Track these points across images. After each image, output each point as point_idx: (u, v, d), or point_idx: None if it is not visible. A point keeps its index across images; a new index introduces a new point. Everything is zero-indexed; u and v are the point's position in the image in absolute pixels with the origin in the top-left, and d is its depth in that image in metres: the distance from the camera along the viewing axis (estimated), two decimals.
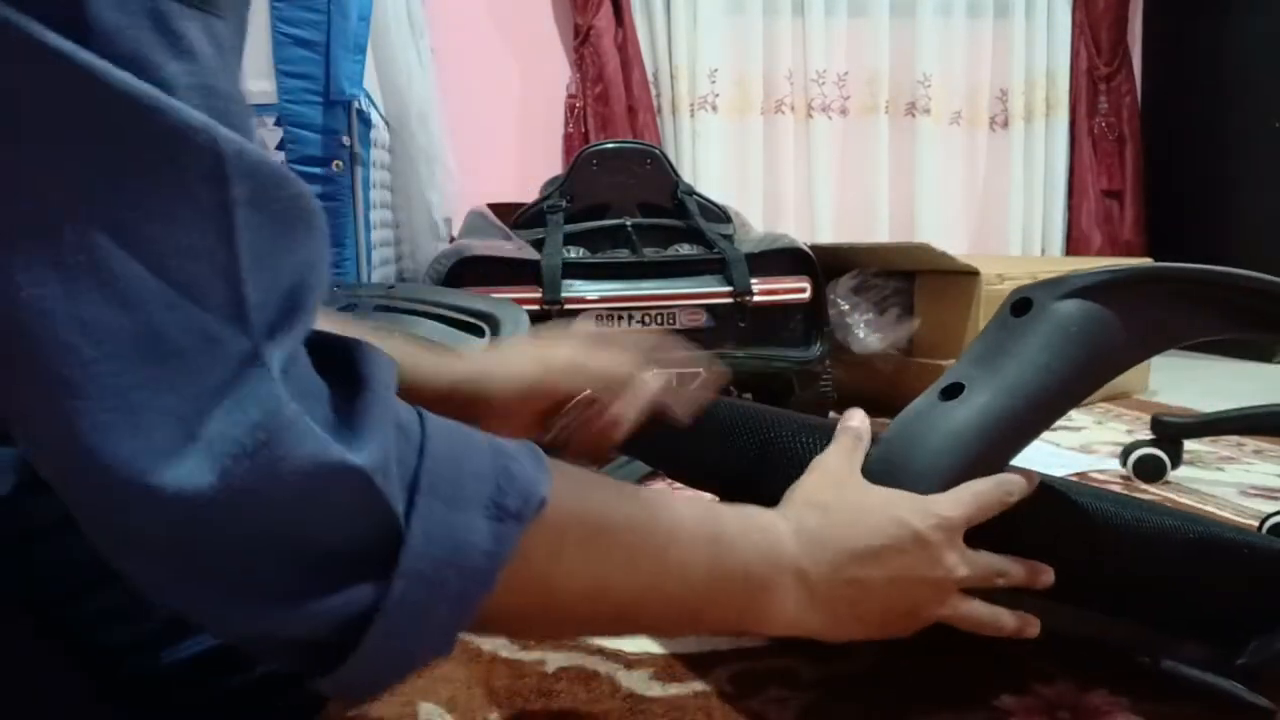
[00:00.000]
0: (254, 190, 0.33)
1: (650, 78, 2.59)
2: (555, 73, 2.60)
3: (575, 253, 1.58)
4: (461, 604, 0.38)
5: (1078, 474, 1.32)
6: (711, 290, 1.53)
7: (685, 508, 0.49)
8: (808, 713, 0.67)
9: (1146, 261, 0.60)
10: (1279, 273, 0.63)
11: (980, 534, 0.56)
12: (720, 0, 2.59)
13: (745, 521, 0.51)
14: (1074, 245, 2.81)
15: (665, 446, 0.77)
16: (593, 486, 0.46)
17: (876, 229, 2.65)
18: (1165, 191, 2.74)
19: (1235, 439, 1.43)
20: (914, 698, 0.69)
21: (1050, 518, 0.60)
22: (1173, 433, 1.28)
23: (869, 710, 0.68)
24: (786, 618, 0.51)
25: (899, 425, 0.60)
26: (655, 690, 0.71)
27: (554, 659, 0.76)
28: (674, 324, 1.53)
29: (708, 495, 0.78)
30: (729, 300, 1.53)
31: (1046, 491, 0.59)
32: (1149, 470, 1.27)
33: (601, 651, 0.78)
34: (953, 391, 0.59)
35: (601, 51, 2.52)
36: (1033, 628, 0.58)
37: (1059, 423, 1.68)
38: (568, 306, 1.45)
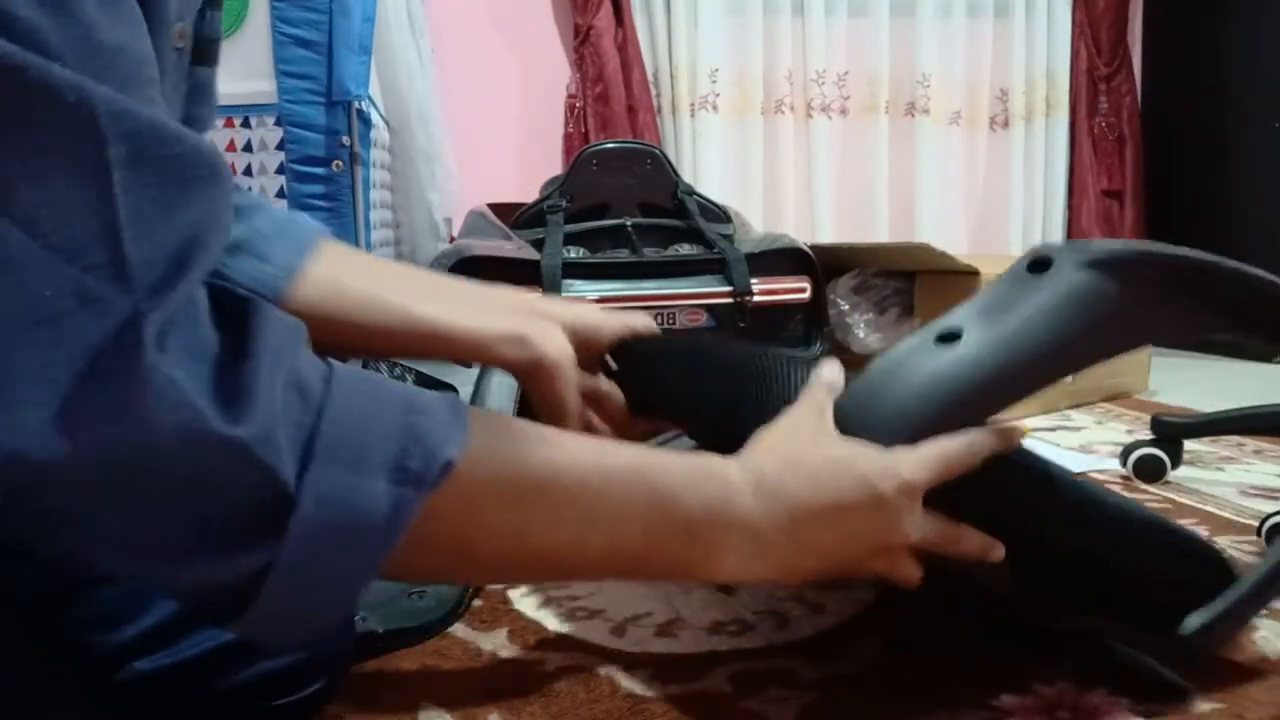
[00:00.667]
0: (134, 150, 0.32)
1: (650, 78, 2.59)
2: (555, 73, 2.60)
3: (575, 253, 1.58)
4: (361, 564, 0.38)
5: (1077, 474, 1.32)
6: (711, 290, 1.53)
7: (624, 460, 0.48)
8: (808, 713, 0.67)
9: (1165, 245, 0.58)
10: (1278, 272, 0.62)
11: (937, 496, 0.55)
12: (720, 0, 2.59)
13: (694, 473, 0.50)
14: None
15: (650, 381, 0.76)
16: (517, 441, 0.45)
17: (876, 229, 2.65)
18: (1165, 191, 2.74)
19: (1235, 439, 1.43)
20: (914, 697, 0.69)
21: (1003, 487, 0.58)
22: (1173, 433, 1.28)
23: (869, 710, 0.68)
24: (731, 568, 0.51)
25: (884, 361, 0.58)
26: (655, 690, 0.71)
27: (554, 659, 0.76)
28: (674, 324, 1.53)
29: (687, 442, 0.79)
30: (729, 300, 1.53)
31: (1002, 462, 0.57)
32: (1149, 470, 1.27)
33: (602, 651, 0.78)
34: (949, 337, 0.57)
35: (601, 51, 2.52)
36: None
37: (1059, 423, 1.68)
38: None
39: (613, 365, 0.75)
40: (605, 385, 0.74)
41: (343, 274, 0.64)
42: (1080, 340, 0.56)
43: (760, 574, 0.52)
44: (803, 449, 0.54)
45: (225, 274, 0.59)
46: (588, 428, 0.71)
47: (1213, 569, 0.64)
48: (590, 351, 0.72)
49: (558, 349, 0.65)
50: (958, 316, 0.58)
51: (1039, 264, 0.57)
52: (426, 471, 0.39)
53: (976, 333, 0.56)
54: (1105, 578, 0.62)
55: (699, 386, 0.72)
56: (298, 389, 0.37)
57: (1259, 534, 1.27)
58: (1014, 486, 0.58)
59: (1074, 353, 0.56)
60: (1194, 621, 0.59)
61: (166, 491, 0.34)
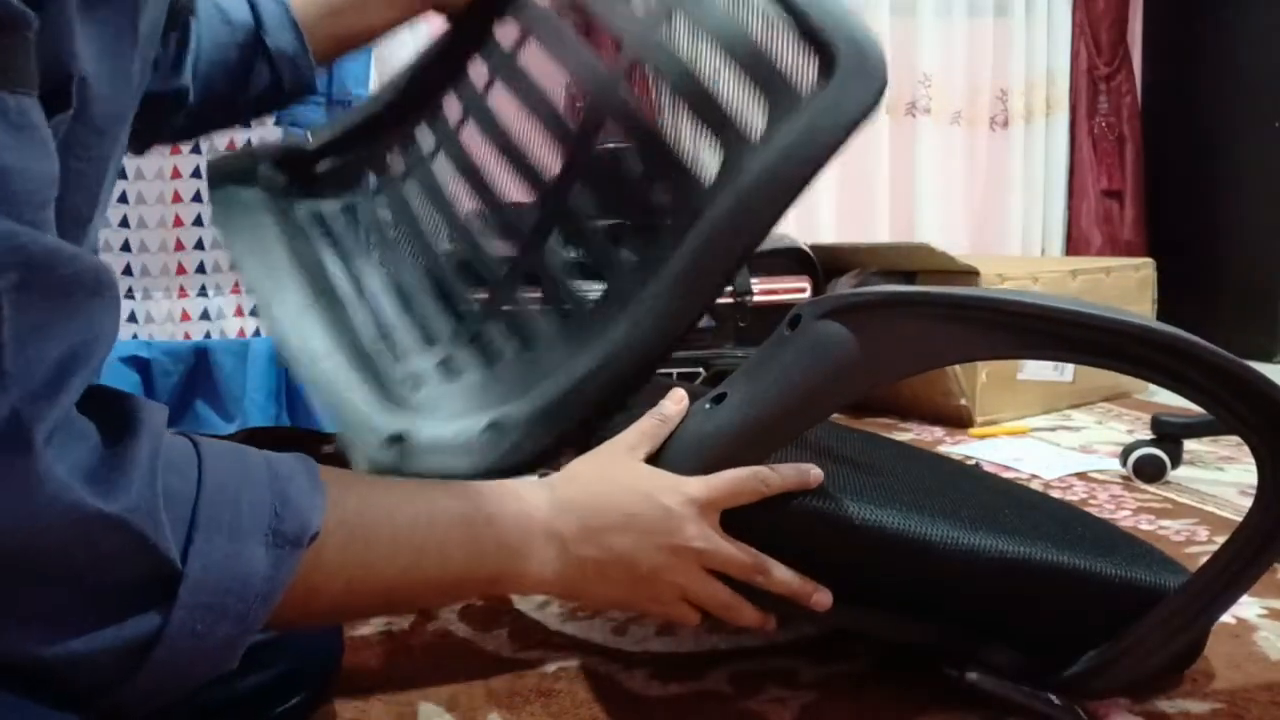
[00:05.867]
0: (25, 276, 0.34)
1: None
2: (555, 72, 2.59)
3: (575, 252, 1.58)
4: (243, 624, 0.41)
5: (1078, 474, 1.32)
6: None
7: (445, 493, 0.53)
8: (807, 713, 0.67)
9: (901, 287, 0.61)
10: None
11: (755, 536, 0.60)
12: None
13: (502, 494, 0.56)
14: (1074, 245, 2.81)
15: None
16: (355, 488, 0.49)
17: (876, 229, 2.65)
18: (1165, 191, 2.74)
19: (1235, 439, 1.43)
20: (913, 698, 0.69)
21: (841, 541, 0.63)
22: (1173, 433, 1.28)
23: (868, 710, 0.68)
24: (540, 577, 0.56)
25: (679, 427, 0.64)
26: (655, 690, 0.71)
27: (554, 659, 0.76)
28: None
29: None
30: (729, 300, 1.53)
31: (839, 516, 0.63)
32: (1149, 470, 1.27)
33: (602, 651, 0.78)
34: (718, 399, 0.63)
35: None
36: (771, 624, 0.62)
37: (1059, 423, 1.68)
38: (567, 307, 1.44)
39: None
40: None
41: None
42: (824, 386, 0.60)
43: (564, 576, 0.57)
44: (602, 470, 0.60)
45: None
46: None
47: (1131, 601, 0.65)
48: None
49: None
50: (730, 380, 0.63)
51: (792, 321, 0.62)
52: (301, 534, 0.43)
53: (737, 394, 0.62)
54: (966, 620, 0.67)
55: None
56: (172, 466, 0.40)
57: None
58: (833, 538, 0.63)
59: (821, 398, 0.61)
60: (1078, 666, 0.64)
61: (60, 573, 0.37)
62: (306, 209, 0.80)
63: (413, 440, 0.64)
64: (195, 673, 0.41)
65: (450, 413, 0.67)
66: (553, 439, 0.63)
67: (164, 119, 0.74)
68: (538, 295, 0.73)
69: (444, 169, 0.81)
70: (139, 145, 0.77)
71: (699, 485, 0.58)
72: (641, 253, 0.66)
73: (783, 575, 0.60)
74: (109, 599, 0.38)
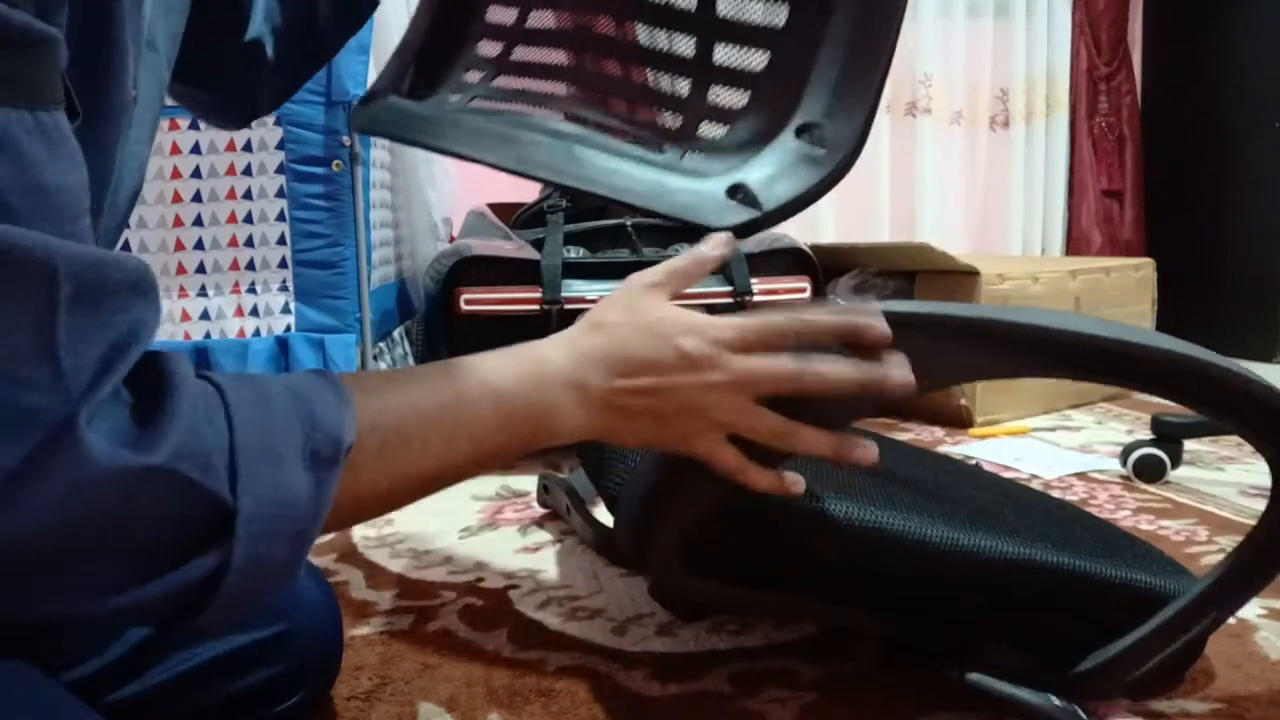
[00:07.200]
0: (79, 285, 0.37)
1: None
2: None
3: (575, 252, 1.58)
4: (301, 540, 0.43)
5: (1078, 474, 1.32)
6: (711, 290, 1.53)
7: (466, 372, 0.54)
8: (807, 713, 0.67)
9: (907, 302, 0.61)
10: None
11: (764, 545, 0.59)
12: None
13: (522, 358, 0.56)
14: (1074, 245, 2.81)
15: None
16: (379, 389, 0.50)
17: (876, 229, 2.65)
18: (1165, 191, 2.74)
19: (1235, 439, 1.43)
20: (913, 698, 0.69)
21: (848, 539, 0.63)
22: (1173, 433, 1.28)
23: (868, 710, 0.68)
24: (570, 428, 0.56)
25: None
26: (655, 690, 0.71)
27: (554, 659, 0.76)
28: None
29: None
30: (729, 300, 1.53)
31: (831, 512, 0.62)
32: (1149, 470, 1.27)
33: (601, 651, 0.78)
34: None
35: None
36: (797, 488, 0.57)
37: (1059, 423, 1.68)
38: (568, 306, 1.45)
39: None
40: None
41: None
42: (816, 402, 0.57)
43: (593, 424, 0.56)
44: (622, 316, 0.58)
45: None
46: None
47: (1132, 602, 0.66)
48: None
49: None
50: None
51: None
52: (336, 452, 0.45)
53: None
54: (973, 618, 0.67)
55: None
56: (204, 411, 0.42)
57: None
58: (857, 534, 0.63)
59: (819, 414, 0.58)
60: (1079, 667, 0.64)
61: (120, 536, 0.39)
62: (456, 102, 0.77)
63: (749, 184, 0.62)
64: (265, 590, 0.43)
65: (751, 153, 0.65)
66: (862, 110, 0.61)
67: (251, 82, 0.73)
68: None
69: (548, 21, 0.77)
70: (238, 118, 0.78)
71: (724, 325, 0.55)
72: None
73: (814, 436, 0.56)
74: (169, 547, 0.40)
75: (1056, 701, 0.64)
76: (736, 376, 0.54)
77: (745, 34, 0.67)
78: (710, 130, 0.68)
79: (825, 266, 1.63)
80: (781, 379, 0.54)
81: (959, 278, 1.66)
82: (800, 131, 0.62)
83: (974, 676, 0.65)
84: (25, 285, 0.36)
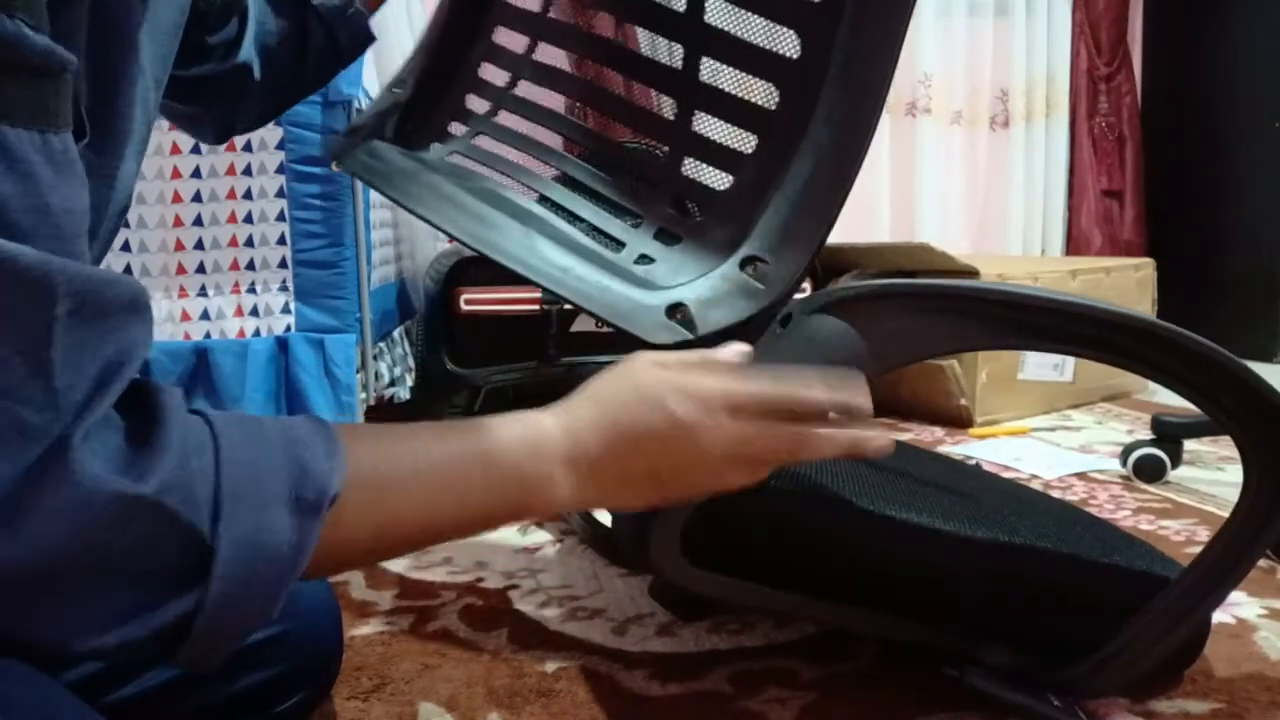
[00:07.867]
0: (76, 304, 0.37)
1: None
2: None
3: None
4: (274, 587, 0.43)
5: (1078, 474, 1.32)
6: None
7: (459, 434, 0.54)
8: (807, 713, 0.67)
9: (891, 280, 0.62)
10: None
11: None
12: None
13: (514, 428, 0.56)
14: (1074, 245, 2.81)
15: None
16: (370, 442, 0.50)
17: (876, 229, 2.65)
18: (1165, 191, 2.74)
19: None
20: (913, 698, 0.69)
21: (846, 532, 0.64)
22: (1173, 433, 1.28)
23: (868, 710, 0.68)
24: (564, 499, 0.56)
25: None
26: (655, 690, 0.71)
27: (554, 659, 0.76)
28: None
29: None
30: None
31: (836, 505, 0.63)
32: (1149, 470, 1.27)
33: (601, 651, 0.78)
34: None
35: None
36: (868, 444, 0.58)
37: (1059, 423, 1.67)
38: (567, 307, 1.45)
39: None
40: None
41: None
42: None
43: (588, 495, 0.57)
44: (616, 388, 0.58)
45: None
46: None
47: (1132, 602, 0.65)
48: None
49: None
50: None
51: (784, 319, 0.62)
52: (321, 499, 0.44)
53: None
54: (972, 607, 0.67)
55: None
56: (194, 445, 0.42)
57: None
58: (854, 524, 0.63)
59: None
60: (1078, 666, 0.64)
61: (96, 565, 0.38)
62: (435, 154, 0.80)
63: (689, 305, 0.65)
64: (239, 633, 0.43)
65: (696, 271, 0.67)
66: (806, 255, 0.63)
67: (233, 101, 0.74)
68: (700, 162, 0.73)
69: (534, 93, 0.81)
70: (219, 135, 0.78)
71: (709, 381, 0.56)
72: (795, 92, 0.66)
73: (830, 437, 0.56)
74: (144, 584, 0.40)
75: (1055, 701, 0.64)
76: (729, 437, 0.55)
77: (714, 152, 0.70)
78: (666, 235, 0.71)
79: (825, 266, 1.63)
80: (780, 448, 0.56)
81: (959, 278, 1.66)
82: (744, 263, 0.65)
83: (973, 676, 0.65)
84: (23, 300, 0.36)
